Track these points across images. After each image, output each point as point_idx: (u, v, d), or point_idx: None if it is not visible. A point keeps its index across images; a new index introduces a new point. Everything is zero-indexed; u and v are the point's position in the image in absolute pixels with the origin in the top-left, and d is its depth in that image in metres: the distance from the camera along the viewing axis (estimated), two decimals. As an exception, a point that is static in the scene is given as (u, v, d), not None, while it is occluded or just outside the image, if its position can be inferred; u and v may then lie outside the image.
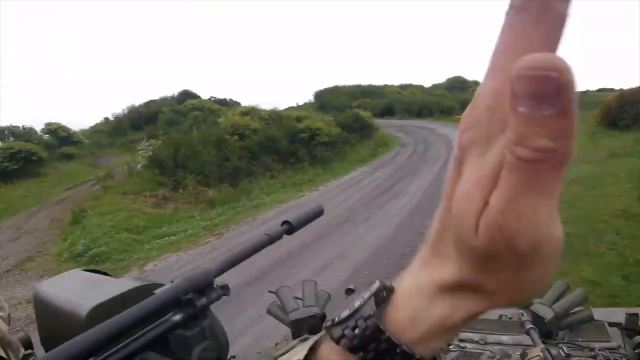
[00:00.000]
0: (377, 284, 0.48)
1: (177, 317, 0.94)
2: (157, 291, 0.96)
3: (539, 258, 0.39)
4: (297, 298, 2.04)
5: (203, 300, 0.98)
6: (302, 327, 1.81)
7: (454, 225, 0.40)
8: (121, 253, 11.72)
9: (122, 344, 0.85)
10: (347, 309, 0.47)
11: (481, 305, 0.44)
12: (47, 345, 1.14)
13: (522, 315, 3.12)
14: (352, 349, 0.46)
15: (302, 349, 0.50)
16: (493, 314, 3.43)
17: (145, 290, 1.03)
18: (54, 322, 1.11)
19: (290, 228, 1.27)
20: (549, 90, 0.32)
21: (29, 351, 1.10)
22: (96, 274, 1.31)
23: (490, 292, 0.42)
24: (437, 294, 0.44)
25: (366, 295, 0.47)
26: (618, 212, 10.31)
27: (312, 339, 0.51)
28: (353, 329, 0.46)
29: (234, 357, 1.91)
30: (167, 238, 12.71)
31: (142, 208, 15.47)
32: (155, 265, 10.67)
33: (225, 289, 1.05)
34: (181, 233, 13.02)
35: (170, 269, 10.21)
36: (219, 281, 1.05)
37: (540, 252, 0.38)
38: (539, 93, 0.32)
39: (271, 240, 1.21)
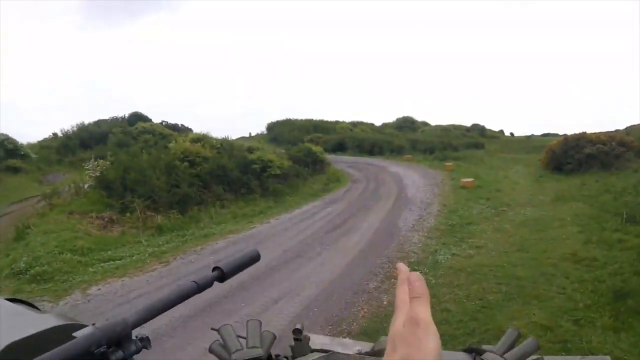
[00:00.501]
0: None
1: None
2: (72, 341, 0.83)
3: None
4: (241, 337, 2.01)
5: (119, 354, 0.87)
6: None
7: None
8: (64, 274, 11.34)
9: None
10: None
11: None
12: None
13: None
14: None
15: None
16: (444, 359, 3.43)
17: (66, 331, 0.93)
18: None
19: (221, 275, 1.17)
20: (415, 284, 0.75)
21: None
22: (19, 306, 1.23)
23: None
24: None
25: None
26: (566, 256, 10.56)
27: None
28: None
29: None
30: (112, 262, 12.38)
31: (88, 229, 15.08)
32: (99, 289, 10.37)
33: (144, 342, 0.94)
34: (127, 258, 12.70)
35: (114, 295, 9.94)
36: (138, 332, 0.95)
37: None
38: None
39: (199, 288, 1.10)
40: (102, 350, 0.84)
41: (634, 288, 8.09)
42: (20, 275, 11.22)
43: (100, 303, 9.44)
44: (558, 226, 13.34)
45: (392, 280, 10.03)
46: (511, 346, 2.68)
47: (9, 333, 0.96)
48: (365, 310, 8.58)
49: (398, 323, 0.74)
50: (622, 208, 13.38)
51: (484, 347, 3.14)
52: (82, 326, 0.96)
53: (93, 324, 0.92)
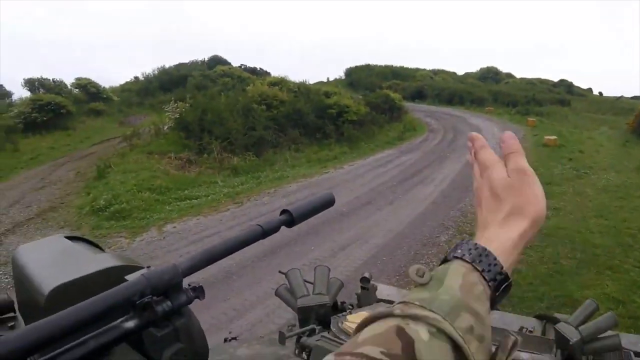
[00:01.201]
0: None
1: (130, 324, 0.77)
2: (108, 291, 0.76)
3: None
4: (308, 282, 1.94)
5: (166, 305, 0.80)
6: (310, 315, 1.74)
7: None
8: (142, 212, 11.74)
9: (64, 348, 0.71)
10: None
11: (530, 226, 0.77)
12: (22, 312, 1.03)
13: (544, 333, 3.00)
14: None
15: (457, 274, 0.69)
16: (514, 323, 3.30)
17: (120, 273, 0.90)
18: (25, 291, 0.99)
19: (290, 219, 1.08)
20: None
21: (10, 314, 1.01)
22: (78, 244, 1.18)
23: (526, 212, 0.77)
24: (519, 240, 0.76)
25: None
26: (647, 228, 10.06)
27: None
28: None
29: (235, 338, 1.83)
30: (188, 201, 12.73)
31: (166, 169, 15.49)
32: (174, 227, 10.69)
33: (197, 291, 0.85)
34: (203, 197, 13.04)
35: (188, 232, 10.24)
36: (191, 280, 0.86)
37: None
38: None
39: (264, 233, 1.01)
40: (146, 300, 0.77)
41: None
42: (100, 212, 11.69)
43: (174, 240, 9.73)
44: (641, 195, 12.73)
45: (464, 234, 9.88)
46: (587, 319, 2.53)
47: (61, 273, 0.93)
48: (434, 263, 8.50)
49: (498, 176, 0.80)
50: None
51: (557, 315, 2.99)
52: (138, 268, 0.93)
53: (148, 267, 0.89)
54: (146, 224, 11.00)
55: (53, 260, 1.06)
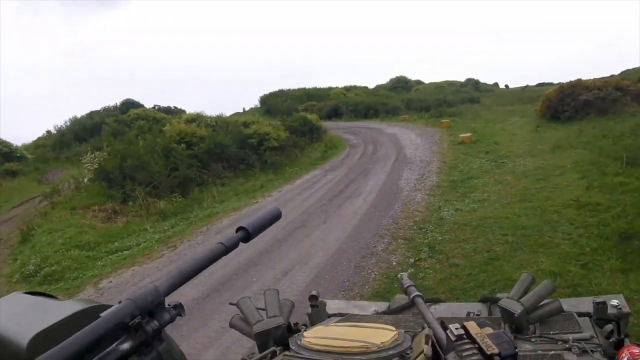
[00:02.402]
0: None
1: (126, 345, 0.82)
2: (103, 314, 0.83)
3: None
4: (260, 309, 2.01)
5: (154, 324, 0.85)
6: (268, 339, 1.79)
7: None
8: (74, 271, 11.40)
9: None
10: None
11: None
12: None
13: (490, 314, 3.16)
14: None
15: None
16: (460, 311, 3.46)
17: (93, 313, 0.90)
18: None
19: (246, 235, 1.15)
20: None
21: None
22: (38, 297, 1.20)
23: None
24: None
25: None
26: (569, 202, 10.60)
27: None
28: None
29: None
30: (120, 253, 12.42)
31: (93, 223, 15.10)
32: (110, 282, 10.43)
33: (179, 309, 0.91)
34: (134, 247, 12.74)
35: (126, 285, 10.00)
36: (171, 300, 0.92)
37: None
38: None
39: (227, 249, 1.08)
40: (136, 321, 0.82)
41: (639, 230, 8.14)
42: (31, 278, 11.32)
43: (113, 295, 9.50)
44: (559, 174, 13.36)
45: (399, 240, 10.12)
46: (526, 291, 2.71)
47: (35, 323, 0.95)
48: (376, 272, 8.67)
49: None
50: (621, 152, 13.33)
51: (499, 295, 3.17)
52: (108, 307, 0.95)
53: (119, 302, 0.91)
54: (81, 283, 10.67)
55: (20, 314, 1.05)
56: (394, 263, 8.95)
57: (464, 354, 0.86)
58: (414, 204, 12.71)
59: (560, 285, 6.82)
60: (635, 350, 1.97)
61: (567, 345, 2.33)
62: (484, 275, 7.76)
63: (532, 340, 2.54)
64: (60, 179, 22.58)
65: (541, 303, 2.68)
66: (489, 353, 0.89)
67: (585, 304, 3.03)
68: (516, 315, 2.58)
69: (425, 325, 1.03)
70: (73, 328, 0.82)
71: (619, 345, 2.18)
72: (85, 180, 19.19)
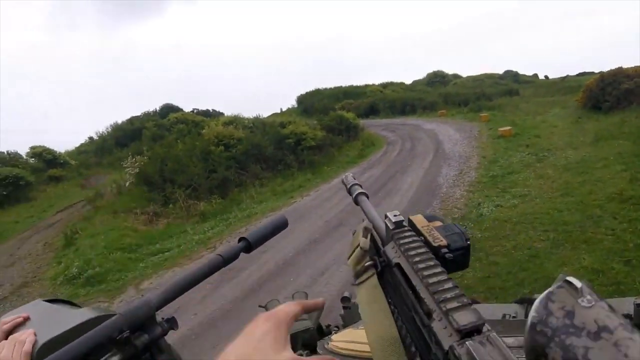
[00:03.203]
0: None
1: (114, 359, 0.84)
2: (94, 329, 0.84)
3: None
4: None
5: (144, 338, 0.86)
6: (296, 342, 1.76)
7: None
8: (116, 273, 11.60)
9: None
10: None
11: None
12: None
13: (527, 316, 3.07)
14: None
15: None
16: (496, 312, 3.38)
17: (98, 322, 0.91)
18: None
19: (247, 245, 1.14)
20: None
21: None
22: (55, 304, 1.26)
23: None
24: None
25: None
26: (612, 196, 10.31)
27: None
28: None
29: None
30: (161, 255, 12.60)
31: (134, 226, 15.35)
32: (151, 283, 10.58)
33: (171, 322, 0.93)
34: (175, 249, 12.90)
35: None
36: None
37: None
38: None
39: (225, 261, 1.07)
40: (125, 335, 0.83)
41: (685, 223, 7.88)
42: (74, 281, 11.52)
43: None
44: (601, 167, 13.01)
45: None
46: None
47: (46, 331, 1.00)
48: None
49: None
50: (666, 142, 12.96)
51: (536, 295, 3.08)
52: (114, 315, 0.96)
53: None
54: (122, 285, 10.86)
55: (36, 321, 1.11)
56: (432, 263, 8.84)
57: (402, 241, 0.77)
58: (452, 201, 12.58)
59: (603, 283, 6.68)
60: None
61: (605, 351, 2.24)
62: (524, 273, 7.63)
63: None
64: (103, 184, 23.00)
65: (580, 306, 2.59)
66: (435, 244, 0.80)
67: (626, 304, 2.92)
68: (552, 320, 2.50)
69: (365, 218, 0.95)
70: (79, 337, 0.83)
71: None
72: (127, 184, 19.48)
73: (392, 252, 0.79)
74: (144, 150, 21.42)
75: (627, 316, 2.54)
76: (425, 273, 0.65)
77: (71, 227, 15.90)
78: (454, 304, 0.57)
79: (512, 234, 9.43)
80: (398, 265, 0.75)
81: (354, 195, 1.08)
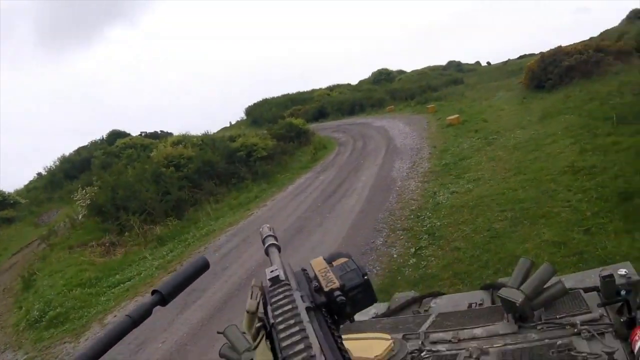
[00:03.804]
0: None
1: None
2: None
3: None
4: None
5: None
6: None
7: None
8: (78, 310, 11.24)
9: None
10: None
11: None
12: None
13: (494, 302, 2.98)
14: None
15: None
16: (462, 302, 3.28)
17: None
18: None
19: (161, 299, 1.02)
20: None
21: None
22: None
23: None
24: None
25: None
26: (564, 169, 10.40)
27: None
28: None
29: None
30: (122, 285, 12.28)
31: (91, 259, 14.96)
32: (115, 315, 10.29)
33: None
34: (135, 277, 12.60)
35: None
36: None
37: None
38: None
39: (135, 322, 0.96)
40: None
41: (638, 187, 7.94)
42: (37, 324, 11.13)
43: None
44: (551, 142, 13.15)
45: (398, 232, 9.97)
46: (526, 277, 2.51)
47: None
48: (378, 268, 8.55)
49: None
50: (610, 112, 13.13)
51: (500, 281, 2.98)
52: None
53: None
54: (86, 322, 10.52)
55: None
56: (395, 255, 8.84)
57: (273, 300, 0.72)
58: (408, 193, 12.57)
59: (566, 255, 6.69)
60: (649, 331, 1.78)
61: (576, 330, 2.15)
62: (487, 255, 7.63)
63: (538, 327, 2.35)
64: (56, 220, 22.47)
65: (544, 287, 2.50)
66: (326, 289, 0.78)
67: (592, 277, 2.84)
68: (518, 305, 2.39)
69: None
70: None
71: (631, 324, 1.99)
72: (80, 217, 19.06)
73: (270, 312, 0.74)
74: (94, 180, 20.93)
75: (593, 289, 2.45)
76: (281, 335, 0.61)
77: (28, 269, 15.44)
78: None
79: (470, 218, 9.44)
80: (274, 325, 0.69)
81: (265, 246, 0.97)
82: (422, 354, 2.39)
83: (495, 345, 2.30)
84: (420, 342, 2.50)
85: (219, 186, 19.77)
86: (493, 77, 39.94)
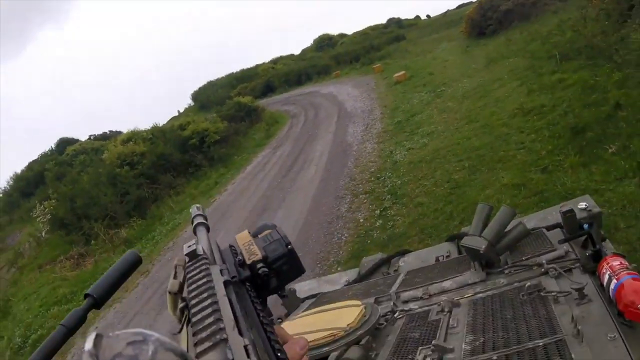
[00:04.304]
0: None
1: None
2: None
3: None
4: None
5: None
6: None
7: None
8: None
9: None
10: None
11: None
12: None
13: (461, 252, 2.99)
14: None
15: None
16: (429, 257, 3.31)
17: None
18: None
19: (93, 302, 0.96)
20: None
21: None
22: None
23: None
24: None
25: None
26: (514, 112, 10.52)
27: None
28: None
29: None
30: (96, 295, 12.08)
31: (63, 274, 14.71)
32: (96, 327, 10.13)
33: None
34: (110, 285, 12.40)
35: (112, 328, 9.71)
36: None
37: None
38: None
39: (70, 330, 0.91)
40: None
41: (588, 120, 8.05)
42: (22, 351, 10.95)
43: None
44: (498, 87, 13.29)
45: (361, 196, 9.99)
46: (486, 222, 2.51)
47: None
48: (346, 235, 8.59)
49: None
50: (553, 50, 13.24)
51: (463, 230, 2.99)
52: None
53: None
54: (70, 339, 10.34)
55: None
56: (361, 220, 8.88)
57: (189, 275, 0.66)
58: (365, 156, 12.61)
59: (527, 196, 6.80)
60: (615, 262, 1.79)
61: (543, 269, 2.16)
62: (450, 206, 7.73)
63: (506, 272, 2.37)
64: (19, 241, 21.98)
65: (505, 230, 2.50)
66: (249, 262, 0.75)
67: (554, 214, 2.87)
68: (482, 252, 2.40)
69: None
70: None
71: (597, 256, 2.00)
72: (44, 233, 18.65)
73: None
74: (50, 194, 20.42)
75: (556, 226, 2.46)
76: (193, 310, 0.56)
77: (2, 297, 15.12)
78: (205, 345, 0.47)
79: (429, 173, 9.53)
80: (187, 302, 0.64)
81: (193, 225, 0.92)
82: (395, 315, 2.39)
83: (465, 296, 2.31)
84: (392, 304, 2.51)
85: (177, 178, 19.51)
86: (434, 29, 40.07)
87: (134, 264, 1.05)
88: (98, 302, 0.96)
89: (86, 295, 0.96)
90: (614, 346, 1.51)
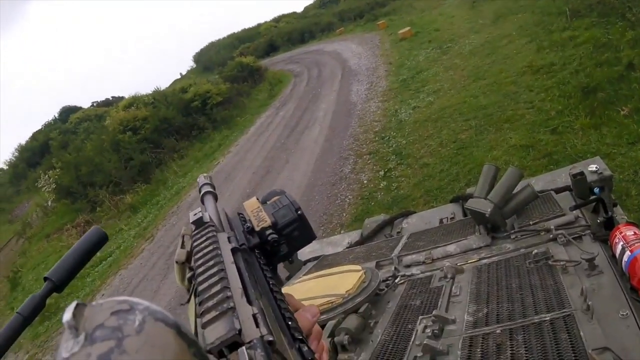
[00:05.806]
0: None
1: None
2: None
3: None
4: None
5: None
6: None
7: None
8: (67, 297, 11.10)
9: None
10: None
11: None
12: None
13: (466, 214, 2.87)
14: None
15: None
16: (433, 219, 3.20)
17: None
18: None
19: (52, 286, 0.92)
20: None
21: None
22: None
23: None
24: None
25: None
26: (523, 70, 10.21)
27: None
28: None
29: None
30: (104, 262, 12.35)
31: (69, 243, 14.76)
32: (102, 294, 10.27)
33: None
34: (116, 251, 12.66)
35: (117, 292, 9.79)
36: None
37: None
38: None
39: (26, 319, 0.89)
40: None
41: (600, 80, 7.77)
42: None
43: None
44: (507, 43, 12.91)
45: (365, 157, 9.87)
46: (492, 184, 2.36)
47: None
48: (350, 197, 8.50)
49: None
50: (563, 6, 12.74)
51: (469, 191, 2.85)
52: None
53: None
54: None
55: None
56: (365, 181, 8.79)
57: (195, 243, 0.64)
58: (370, 115, 12.43)
59: (535, 157, 6.63)
60: (629, 232, 1.66)
61: (551, 236, 2.04)
62: (456, 167, 7.60)
63: (512, 237, 2.24)
64: (27, 212, 22.17)
65: (512, 193, 2.37)
66: (258, 228, 0.74)
67: (563, 176, 2.73)
68: (487, 215, 2.27)
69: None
70: None
71: (610, 224, 1.88)
72: (50, 203, 18.78)
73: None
74: (54, 163, 20.46)
75: (565, 188, 2.31)
76: (199, 279, 0.54)
77: (12, 268, 15.29)
78: (212, 314, 0.46)
79: (435, 132, 9.35)
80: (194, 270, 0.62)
81: (200, 194, 0.87)
82: (397, 280, 2.31)
83: (469, 262, 2.21)
84: (393, 268, 2.44)
85: (180, 141, 19.47)
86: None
87: (99, 242, 1.01)
88: (58, 285, 0.93)
89: (45, 279, 0.93)
90: (626, 325, 1.39)
